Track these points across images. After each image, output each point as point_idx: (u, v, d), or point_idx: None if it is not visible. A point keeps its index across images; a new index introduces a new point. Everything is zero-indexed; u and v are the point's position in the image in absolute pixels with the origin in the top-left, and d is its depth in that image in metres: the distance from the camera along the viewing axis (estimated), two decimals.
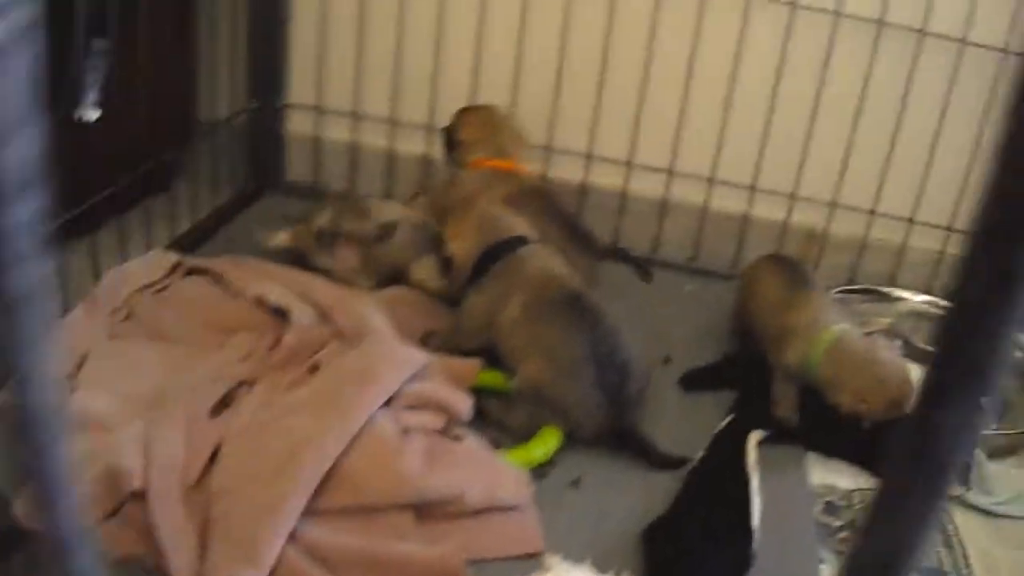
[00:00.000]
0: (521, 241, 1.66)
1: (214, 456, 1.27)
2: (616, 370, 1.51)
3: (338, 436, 1.23)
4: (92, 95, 1.70)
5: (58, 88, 1.61)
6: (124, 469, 1.17)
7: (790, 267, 1.79)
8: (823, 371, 1.59)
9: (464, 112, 2.04)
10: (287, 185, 2.28)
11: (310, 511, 1.19)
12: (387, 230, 1.81)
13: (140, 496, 1.17)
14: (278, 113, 2.23)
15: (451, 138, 2.03)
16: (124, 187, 1.73)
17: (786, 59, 2.06)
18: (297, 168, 2.29)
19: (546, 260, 1.65)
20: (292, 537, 1.15)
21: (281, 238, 1.85)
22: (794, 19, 2.03)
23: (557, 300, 1.55)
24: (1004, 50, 1.99)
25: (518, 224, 1.70)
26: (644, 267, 2.03)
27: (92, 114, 1.71)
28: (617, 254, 2.01)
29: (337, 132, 2.26)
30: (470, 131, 2.00)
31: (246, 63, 2.14)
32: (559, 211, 1.93)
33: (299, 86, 2.23)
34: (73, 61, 1.59)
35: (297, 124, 2.27)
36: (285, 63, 2.20)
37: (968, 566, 1.46)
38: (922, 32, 2.01)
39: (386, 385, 1.35)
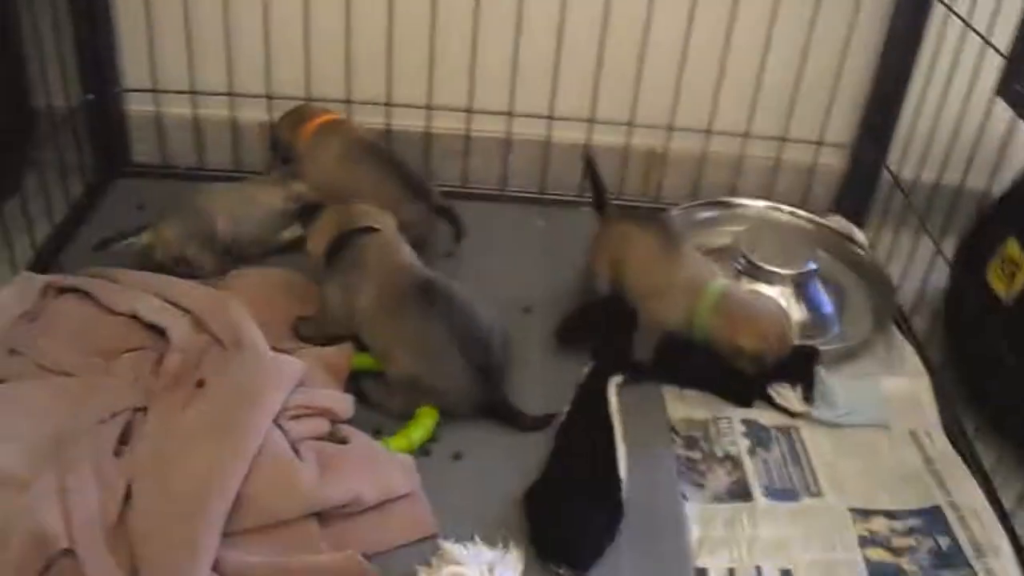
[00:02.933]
0: (368, 231, 1.85)
1: (127, 493, 1.46)
2: (480, 345, 1.72)
3: (237, 468, 1.43)
4: None
5: None
6: (48, 532, 1.35)
7: (661, 227, 1.94)
8: (713, 325, 1.80)
9: (278, 120, 2.25)
10: (136, 168, 2.43)
11: (224, 539, 1.40)
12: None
13: (68, 552, 1.36)
14: (116, 99, 2.36)
15: (278, 145, 2.23)
16: None
17: None
18: (143, 148, 2.43)
19: (389, 248, 1.84)
20: (213, 568, 1.37)
21: (144, 239, 2.01)
22: None
23: (407, 291, 1.75)
24: None
25: (369, 214, 1.89)
26: (459, 226, 2.15)
27: None
28: (442, 210, 2.14)
29: (177, 109, 2.40)
30: (286, 129, 2.21)
31: (75, 54, 2.24)
32: (393, 162, 2.12)
33: (133, 70, 2.35)
34: None
35: (137, 106, 2.40)
36: (115, 49, 2.32)
37: (816, 481, 1.74)
38: None
39: (271, 405, 1.54)
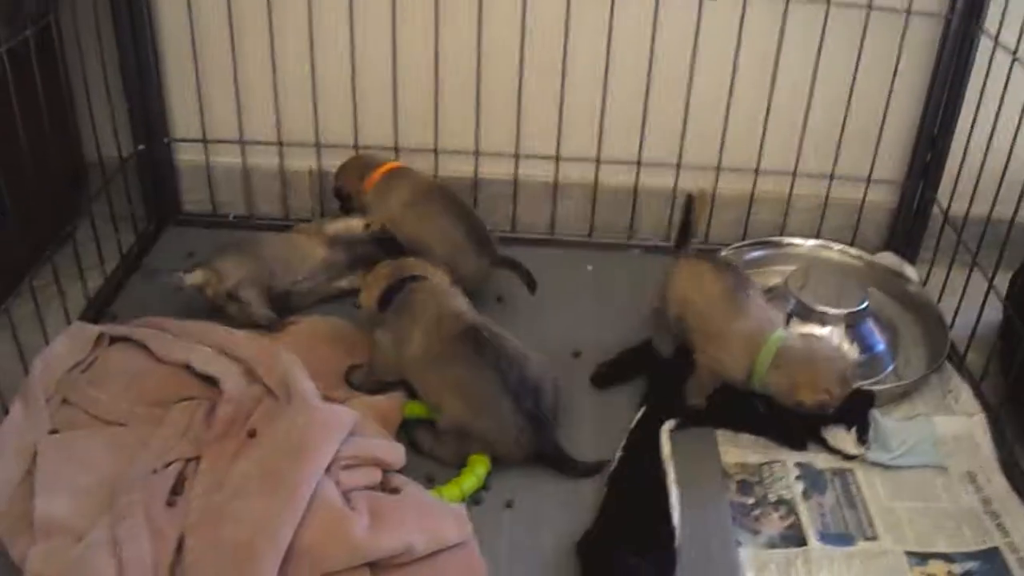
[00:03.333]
0: (418, 279, 1.87)
1: (179, 544, 1.48)
2: (529, 393, 1.72)
3: (288, 519, 1.44)
4: None
5: None
6: None
7: (735, 272, 1.92)
8: (773, 379, 1.78)
9: (338, 170, 2.27)
10: (186, 217, 2.47)
11: None
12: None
13: None
14: (166, 150, 2.39)
15: (341, 195, 2.25)
16: (29, 249, 1.92)
17: (656, 38, 2.27)
18: (193, 197, 2.47)
19: (439, 296, 1.85)
20: None
21: (193, 278, 2.00)
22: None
23: (456, 338, 1.76)
24: (868, 7, 2.24)
25: (421, 266, 1.91)
26: (530, 277, 2.12)
27: None
28: (507, 263, 2.14)
29: (227, 158, 2.44)
30: (350, 178, 2.23)
31: (126, 105, 2.28)
32: (462, 210, 2.14)
33: (182, 120, 2.39)
34: None
35: (187, 156, 2.43)
36: (164, 101, 2.36)
37: (871, 525, 1.73)
38: None
39: (323, 456, 1.55)
